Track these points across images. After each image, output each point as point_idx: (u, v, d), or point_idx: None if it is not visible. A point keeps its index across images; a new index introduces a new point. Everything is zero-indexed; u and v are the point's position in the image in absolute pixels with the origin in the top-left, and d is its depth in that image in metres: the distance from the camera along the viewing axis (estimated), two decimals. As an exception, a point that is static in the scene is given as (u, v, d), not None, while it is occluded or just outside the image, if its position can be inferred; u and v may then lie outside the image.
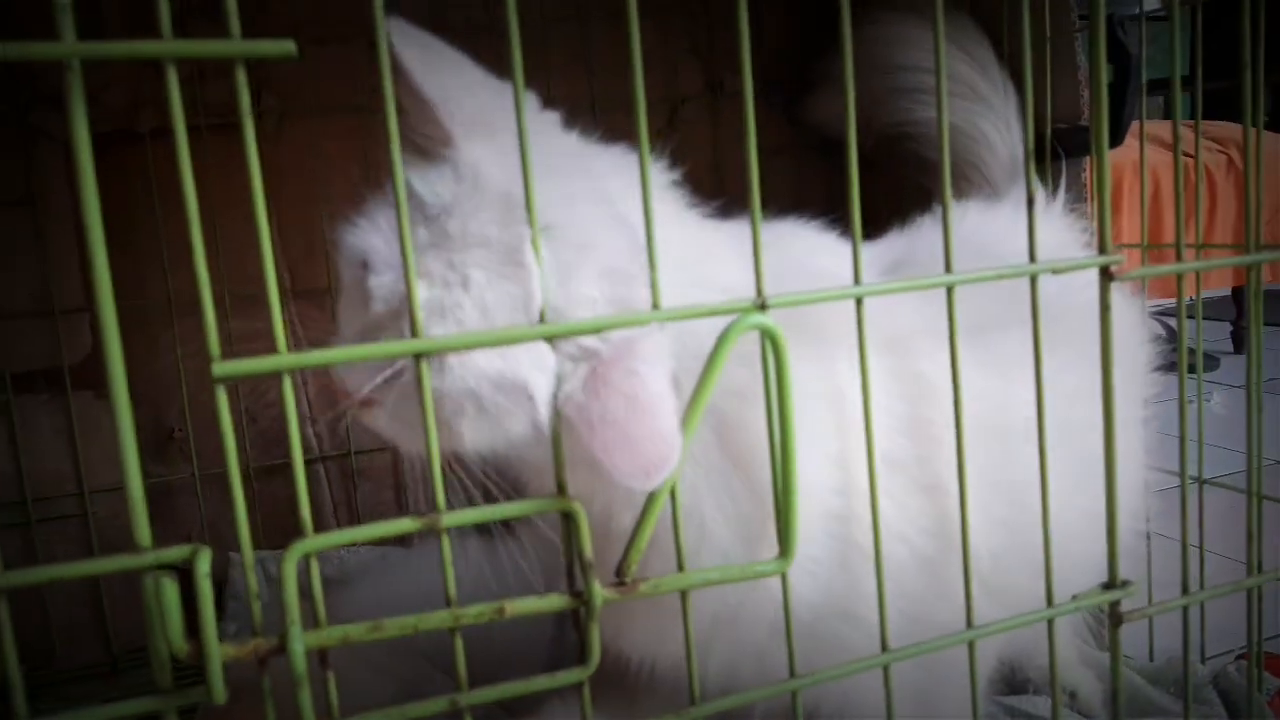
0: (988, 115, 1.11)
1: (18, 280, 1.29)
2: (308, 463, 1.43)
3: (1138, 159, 1.12)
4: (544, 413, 0.60)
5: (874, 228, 0.90)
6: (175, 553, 0.48)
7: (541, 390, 0.60)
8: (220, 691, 0.48)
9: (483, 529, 0.66)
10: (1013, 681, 1.05)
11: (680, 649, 0.58)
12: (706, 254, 0.68)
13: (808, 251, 0.77)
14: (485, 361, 0.60)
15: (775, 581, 0.58)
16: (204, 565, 0.47)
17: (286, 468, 1.44)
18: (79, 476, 1.33)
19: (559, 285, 0.61)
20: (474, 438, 0.63)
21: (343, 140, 1.35)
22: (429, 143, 0.65)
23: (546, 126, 0.70)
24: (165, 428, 1.39)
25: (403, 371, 0.62)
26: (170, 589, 0.47)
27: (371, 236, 0.64)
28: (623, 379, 0.58)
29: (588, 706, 0.55)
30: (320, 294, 1.36)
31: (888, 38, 1.15)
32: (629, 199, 0.62)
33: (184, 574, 0.47)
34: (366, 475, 1.47)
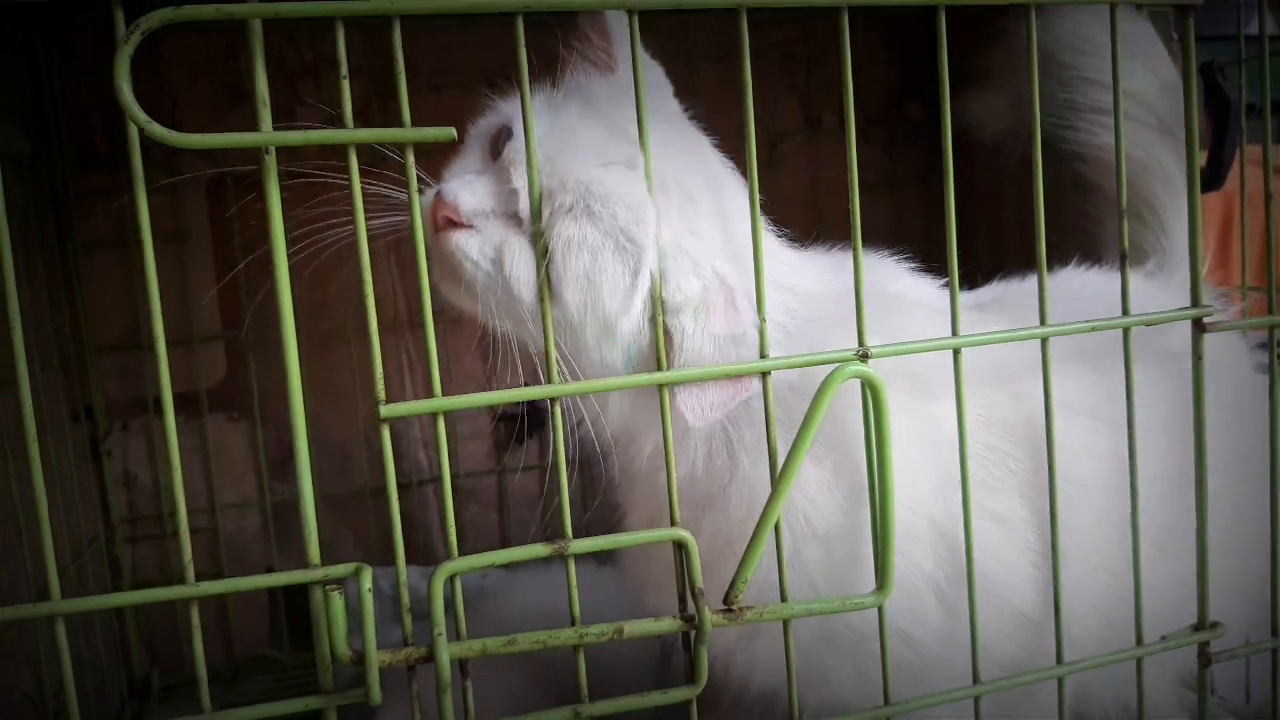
0: (1168, 144, 0.97)
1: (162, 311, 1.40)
2: (418, 484, 1.51)
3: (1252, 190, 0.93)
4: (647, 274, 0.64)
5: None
6: (341, 570, 0.55)
7: (650, 251, 0.64)
8: (377, 693, 0.54)
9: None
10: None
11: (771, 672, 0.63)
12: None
13: (904, 289, 0.79)
14: (623, 214, 0.64)
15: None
16: (366, 581, 0.54)
17: (398, 489, 1.52)
18: (210, 493, 1.43)
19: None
20: (576, 299, 0.65)
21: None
22: (599, 61, 0.73)
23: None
24: (287, 447, 1.48)
25: (516, 197, 0.67)
26: (338, 601, 0.53)
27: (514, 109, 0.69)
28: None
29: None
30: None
31: (1066, 40, 0.97)
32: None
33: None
34: (474, 497, 1.55)
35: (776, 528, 0.61)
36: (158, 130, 0.50)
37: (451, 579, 0.56)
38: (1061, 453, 0.66)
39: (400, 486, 1.51)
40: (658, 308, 0.62)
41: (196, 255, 1.41)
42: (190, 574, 0.56)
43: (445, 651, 0.54)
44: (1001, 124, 1.00)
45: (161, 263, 1.35)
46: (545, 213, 0.63)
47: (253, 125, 0.52)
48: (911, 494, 0.68)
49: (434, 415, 0.56)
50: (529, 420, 1.55)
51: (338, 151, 0.55)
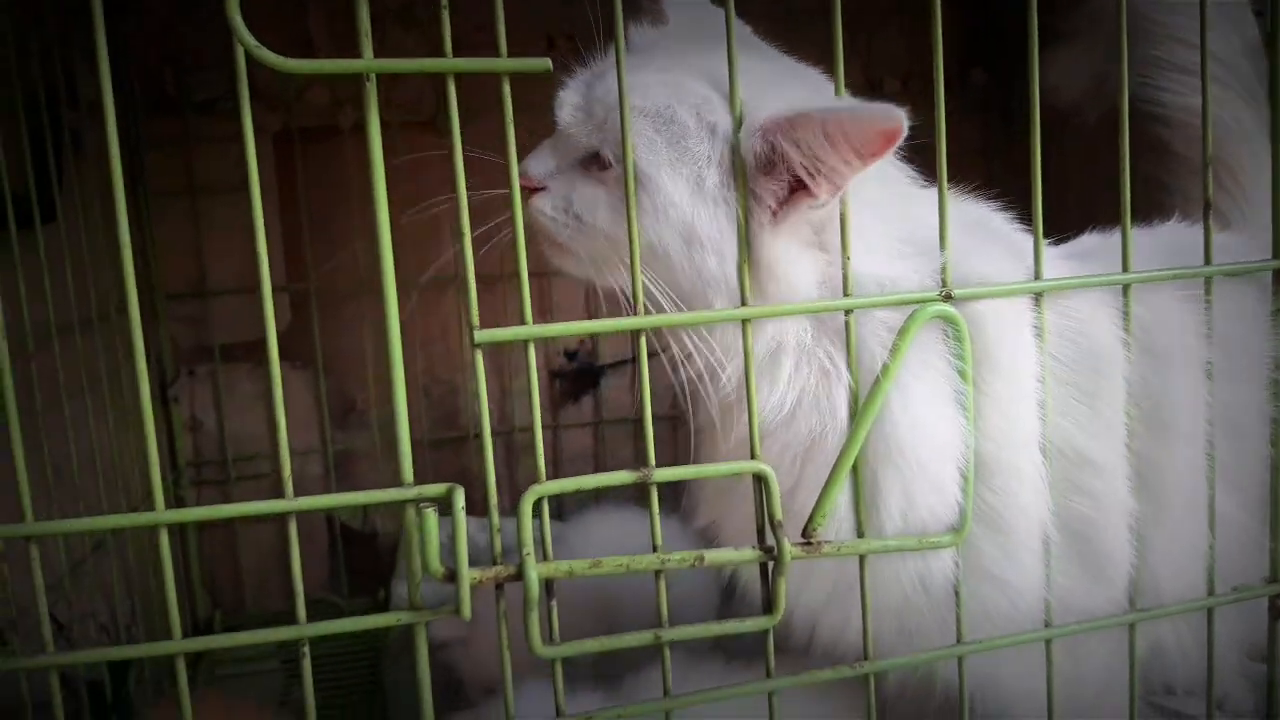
0: (1250, 105, 0.95)
1: (227, 261, 1.43)
2: (475, 437, 1.53)
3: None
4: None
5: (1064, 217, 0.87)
6: (434, 489, 0.56)
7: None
8: (468, 609, 0.55)
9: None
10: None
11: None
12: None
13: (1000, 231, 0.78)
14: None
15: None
16: (459, 500, 0.55)
17: (453, 442, 1.55)
18: (273, 440, 1.46)
19: None
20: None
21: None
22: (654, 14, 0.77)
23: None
24: (348, 399, 1.51)
25: (579, 148, 0.71)
26: (431, 519, 0.55)
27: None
28: None
29: (771, 652, 0.61)
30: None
31: None
32: None
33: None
34: (529, 452, 1.57)
35: (856, 465, 0.62)
36: (265, 54, 0.52)
37: (539, 501, 0.57)
38: (1159, 399, 0.66)
39: (458, 439, 1.54)
40: (742, 249, 0.63)
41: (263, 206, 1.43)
42: (289, 489, 0.58)
43: (534, 570, 0.56)
44: (1079, 87, 0.99)
45: (229, 212, 1.38)
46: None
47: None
48: (1014, 432, 0.67)
49: (525, 342, 0.57)
50: (584, 379, 1.56)
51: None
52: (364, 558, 1.50)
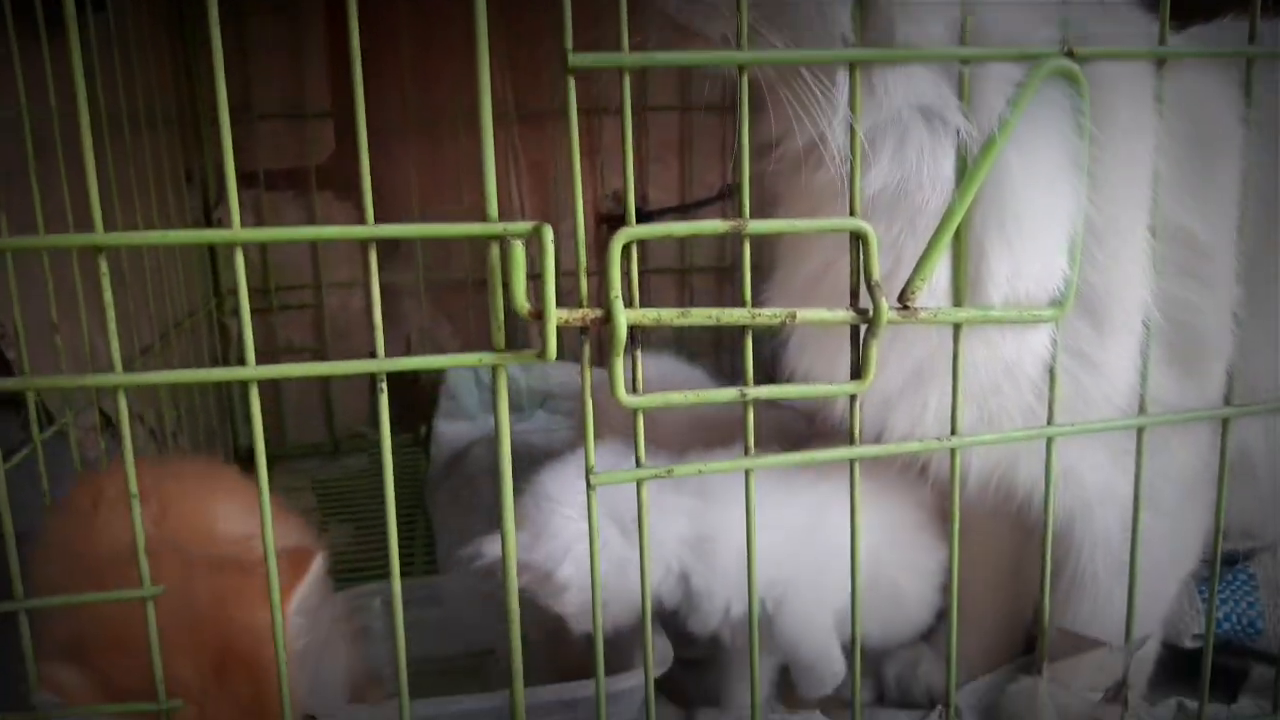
0: None
1: (271, 84, 1.39)
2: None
3: None
4: None
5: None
6: (520, 226, 0.53)
7: None
8: (554, 350, 0.53)
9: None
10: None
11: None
12: None
13: None
14: None
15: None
16: (548, 235, 0.53)
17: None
18: (316, 270, 1.44)
19: None
20: None
21: None
22: None
23: None
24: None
25: None
26: (519, 251, 0.52)
27: None
28: None
29: (857, 415, 0.59)
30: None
31: None
32: None
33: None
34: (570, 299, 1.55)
35: (960, 231, 0.58)
36: None
37: (629, 246, 0.54)
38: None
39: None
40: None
41: (308, 26, 1.39)
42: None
43: (622, 314, 0.53)
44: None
45: (270, 32, 1.33)
46: None
47: None
48: (1125, 206, 0.64)
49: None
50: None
51: None
52: (404, 396, 1.49)
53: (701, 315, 0.56)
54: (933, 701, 0.81)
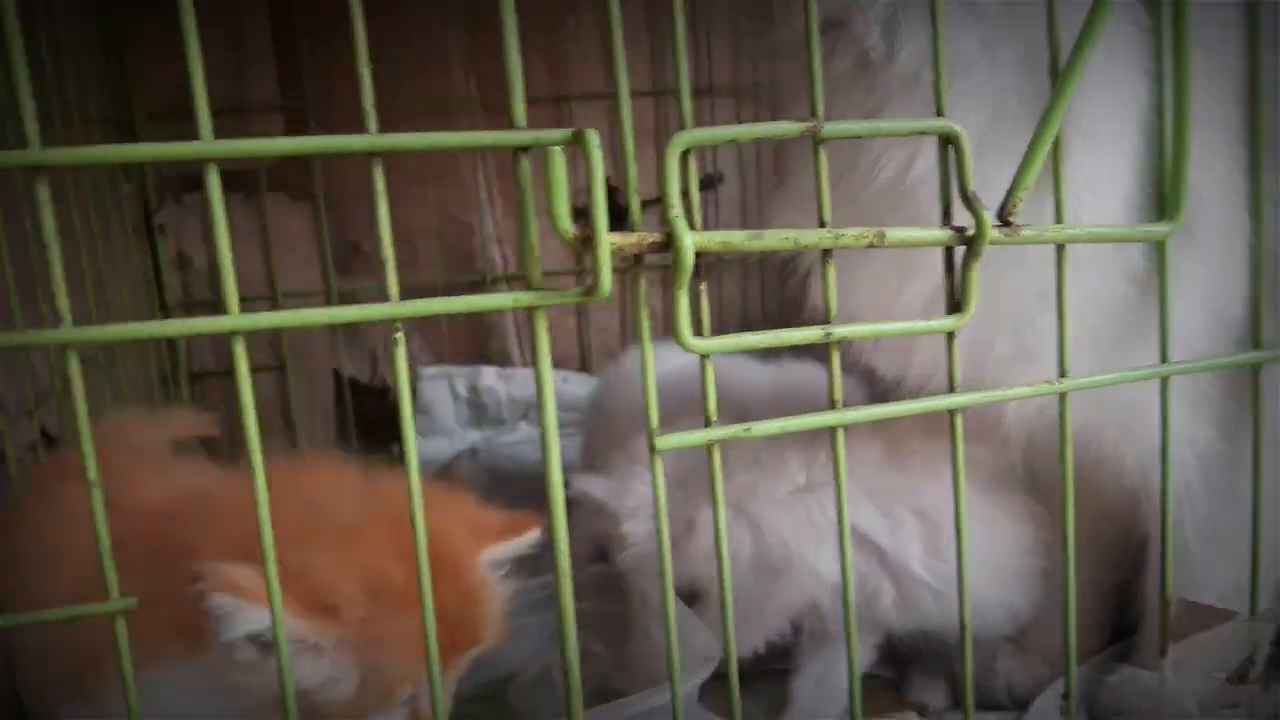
0: None
1: (210, 76, 1.27)
2: (491, 283, 1.40)
3: None
4: None
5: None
6: (558, 133, 0.44)
7: None
8: (607, 282, 0.44)
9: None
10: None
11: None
12: None
13: None
14: None
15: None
16: (593, 141, 0.43)
17: (469, 285, 1.42)
18: (270, 278, 1.32)
19: None
20: None
21: None
22: None
23: None
24: (351, 241, 1.37)
25: None
26: (559, 161, 0.43)
27: None
28: None
29: (955, 356, 0.50)
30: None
31: None
32: None
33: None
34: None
35: (1056, 144, 0.50)
36: None
37: (687, 153, 0.45)
38: None
39: (474, 283, 1.41)
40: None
41: (250, 14, 1.28)
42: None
43: (687, 235, 0.44)
44: None
45: (206, 20, 1.22)
46: None
47: None
48: None
49: None
50: (613, 216, 1.43)
51: None
52: (373, 411, 1.38)
53: (777, 238, 0.47)
54: (1015, 701, 0.72)
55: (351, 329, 1.37)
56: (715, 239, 0.46)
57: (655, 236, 0.45)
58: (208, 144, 0.41)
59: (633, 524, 0.74)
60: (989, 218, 0.48)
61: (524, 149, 0.44)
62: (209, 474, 0.67)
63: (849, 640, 0.52)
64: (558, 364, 1.45)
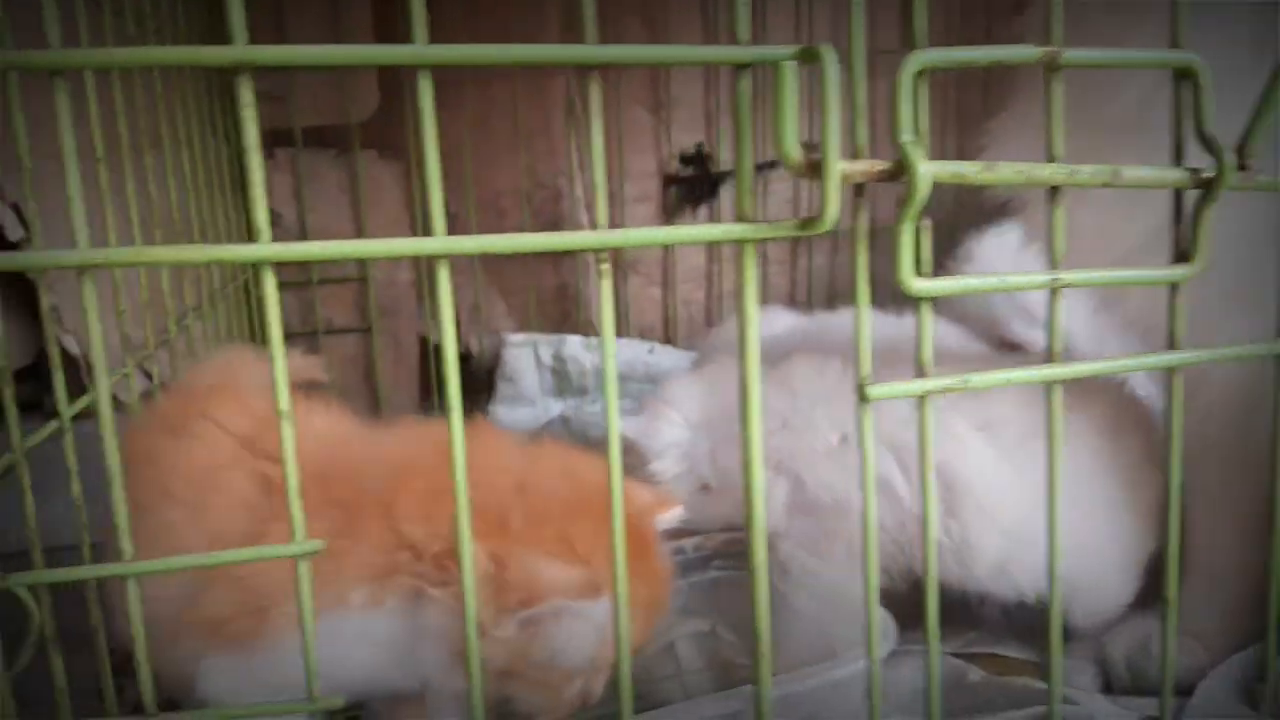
0: None
1: (311, 30, 1.26)
2: (579, 252, 1.38)
3: None
4: None
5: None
6: (787, 49, 0.41)
7: None
8: (835, 211, 0.40)
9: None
10: None
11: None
12: None
13: None
14: None
15: None
16: (830, 58, 0.40)
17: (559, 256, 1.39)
18: (361, 236, 1.30)
19: None
20: None
21: None
22: None
23: None
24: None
25: None
26: (789, 76, 0.39)
27: None
28: None
29: (1180, 312, 0.47)
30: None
31: None
32: None
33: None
34: (635, 269, 1.42)
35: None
36: None
37: (921, 73, 0.42)
38: None
39: (562, 253, 1.38)
40: None
41: (350, -31, 1.26)
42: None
43: (922, 163, 0.40)
44: None
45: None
46: None
47: None
48: None
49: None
50: (700, 186, 1.40)
51: None
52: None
53: (1010, 170, 0.43)
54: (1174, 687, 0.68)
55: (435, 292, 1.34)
56: (947, 169, 0.42)
57: (884, 165, 0.41)
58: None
59: (661, 463, 0.78)
60: (1231, 160, 0.44)
61: (745, 66, 0.41)
62: (345, 423, 0.65)
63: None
64: (642, 335, 1.42)
